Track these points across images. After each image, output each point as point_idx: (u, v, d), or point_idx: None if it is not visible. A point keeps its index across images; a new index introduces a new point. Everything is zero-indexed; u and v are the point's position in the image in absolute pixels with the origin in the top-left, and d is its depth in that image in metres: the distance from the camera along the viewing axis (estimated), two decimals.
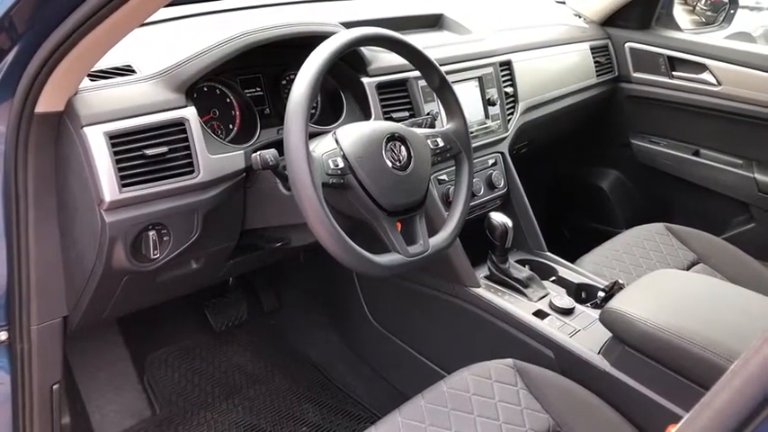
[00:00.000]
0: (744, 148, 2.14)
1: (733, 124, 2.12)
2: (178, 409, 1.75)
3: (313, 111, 1.45)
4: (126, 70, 1.17)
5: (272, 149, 1.11)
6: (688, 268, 1.77)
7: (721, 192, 2.19)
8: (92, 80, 1.11)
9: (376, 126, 1.17)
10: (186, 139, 1.14)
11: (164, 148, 1.10)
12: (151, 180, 1.10)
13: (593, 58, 2.23)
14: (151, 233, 1.13)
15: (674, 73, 2.22)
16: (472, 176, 1.32)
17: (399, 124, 1.22)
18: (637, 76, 2.32)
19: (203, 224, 1.21)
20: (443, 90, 1.29)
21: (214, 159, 1.18)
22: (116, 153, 1.05)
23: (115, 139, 1.05)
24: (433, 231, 1.24)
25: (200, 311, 1.92)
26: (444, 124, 1.33)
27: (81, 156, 1.04)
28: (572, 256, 1.77)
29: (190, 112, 1.15)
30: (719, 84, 2.11)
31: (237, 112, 1.34)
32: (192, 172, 1.15)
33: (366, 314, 1.84)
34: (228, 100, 1.33)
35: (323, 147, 1.12)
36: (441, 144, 1.26)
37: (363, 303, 1.84)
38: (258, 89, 1.39)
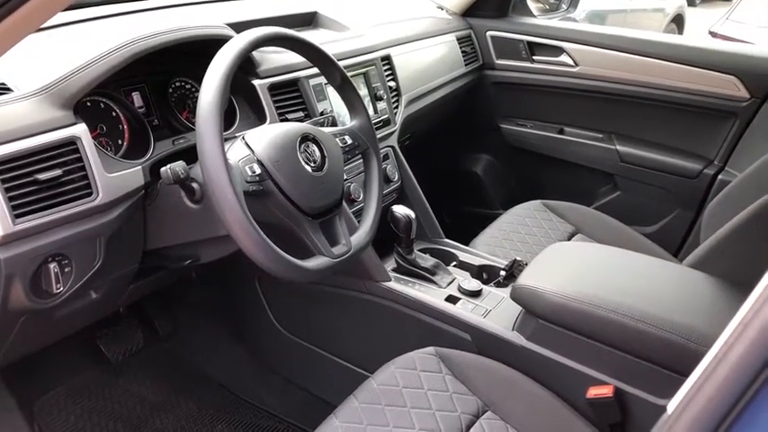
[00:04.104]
0: (603, 123, 2.30)
1: (592, 101, 2.28)
2: None
3: None
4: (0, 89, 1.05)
5: (180, 161, 1.05)
6: (569, 239, 1.88)
7: (588, 165, 2.34)
8: None
9: (287, 128, 1.14)
10: (80, 159, 1.05)
11: (57, 171, 1.01)
12: (47, 207, 1.00)
13: (460, 48, 2.30)
14: (52, 265, 1.03)
15: (534, 57, 2.34)
16: (381, 171, 1.32)
17: (308, 124, 1.19)
18: (500, 63, 2.42)
19: (106, 250, 1.12)
20: (345, 87, 1.28)
21: (112, 178, 1.10)
22: (4, 181, 0.95)
23: (2, 166, 0.95)
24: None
25: (91, 344, 1.77)
26: (348, 122, 1.32)
27: None
28: (459, 240, 1.83)
29: (81, 130, 1.06)
30: (576, 64, 2.25)
31: (125, 126, 1.25)
32: (90, 194, 1.06)
33: (273, 323, 1.78)
34: (114, 114, 1.23)
35: (235, 153, 1.07)
36: (349, 142, 1.25)
37: (269, 312, 1.78)
38: (144, 100, 1.30)
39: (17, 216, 0.96)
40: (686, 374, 0.49)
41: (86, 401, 1.73)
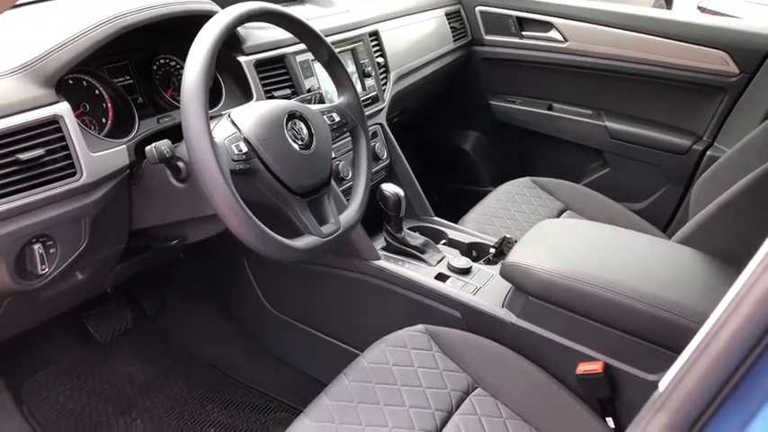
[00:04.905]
0: (592, 99, 2.29)
1: (581, 77, 2.27)
2: None
3: None
4: None
5: (166, 140, 1.03)
6: (558, 216, 1.88)
7: (577, 141, 2.33)
8: None
9: (273, 105, 1.12)
10: (63, 139, 1.03)
11: (40, 151, 0.98)
12: (30, 187, 0.98)
13: (449, 23, 2.28)
14: (36, 246, 1.02)
15: (523, 33, 2.32)
16: (370, 149, 1.31)
17: (295, 102, 1.18)
18: (489, 39, 2.40)
19: (91, 230, 1.10)
20: (332, 64, 1.26)
21: (96, 158, 1.08)
22: None
23: None
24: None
25: (79, 325, 1.76)
26: (336, 99, 1.30)
27: None
28: (449, 218, 1.83)
29: (63, 108, 1.03)
30: (566, 40, 2.23)
31: (109, 105, 1.22)
32: (74, 174, 1.04)
33: (262, 303, 1.78)
34: (98, 92, 1.21)
35: (221, 131, 1.05)
36: (337, 119, 1.24)
37: (258, 292, 1.77)
38: (127, 77, 1.28)
39: None
40: (675, 350, 0.49)
41: (75, 382, 1.72)
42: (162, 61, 1.34)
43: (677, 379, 0.47)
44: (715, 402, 0.44)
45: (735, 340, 0.43)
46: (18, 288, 1.02)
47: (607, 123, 2.24)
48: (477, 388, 1.22)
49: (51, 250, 1.05)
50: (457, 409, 1.17)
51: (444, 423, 1.14)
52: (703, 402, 0.44)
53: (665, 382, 0.48)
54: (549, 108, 2.38)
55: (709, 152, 2.05)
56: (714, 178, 1.60)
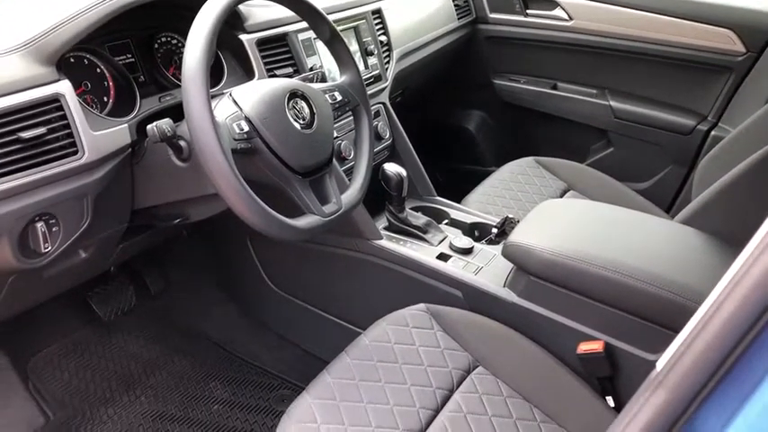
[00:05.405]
0: (597, 78, 2.27)
1: (585, 56, 2.25)
2: (74, 410, 1.62)
3: None
4: None
5: (167, 119, 1.03)
6: (561, 196, 1.88)
7: (581, 121, 2.32)
8: None
9: (275, 84, 1.12)
10: (65, 117, 1.03)
11: (41, 129, 0.99)
12: (32, 166, 0.98)
13: (453, 1, 2.26)
14: (39, 225, 1.02)
15: (528, 11, 2.30)
16: (372, 128, 1.30)
17: (297, 80, 1.17)
18: (493, 17, 2.38)
19: (94, 209, 1.11)
20: (334, 42, 1.25)
21: (98, 136, 1.08)
22: None
23: None
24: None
25: (83, 303, 1.77)
26: (338, 77, 1.29)
27: None
28: (452, 198, 1.82)
29: (65, 87, 1.03)
30: (571, 18, 2.21)
31: (111, 83, 1.22)
32: (76, 152, 1.04)
33: (265, 281, 1.79)
34: (99, 70, 1.21)
35: (223, 110, 1.05)
36: (339, 98, 1.23)
37: (260, 270, 1.78)
38: (129, 56, 1.27)
39: (1, 175, 0.95)
40: (676, 330, 0.49)
41: (80, 359, 1.74)
42: (163, 39, 1.33)
43: (675, 358, 0.47)
44: (712, 381, 0.44)
45: (732, 320, 0.44)
46: (21, 266, 1.03)
47: (611, 103, 2.22)
48: (478, 366, 1.22)
49: (54, 228, 1.06)
50: (458, 387, 1.18)
51: (445, 401, 1.15)
52: (700, 381, 0.45)
53: (663, 361, 0.49)
54: (554, 87, 2.36)
55: (713, 132, 2.04)
56: (718, 158, 1.59)
